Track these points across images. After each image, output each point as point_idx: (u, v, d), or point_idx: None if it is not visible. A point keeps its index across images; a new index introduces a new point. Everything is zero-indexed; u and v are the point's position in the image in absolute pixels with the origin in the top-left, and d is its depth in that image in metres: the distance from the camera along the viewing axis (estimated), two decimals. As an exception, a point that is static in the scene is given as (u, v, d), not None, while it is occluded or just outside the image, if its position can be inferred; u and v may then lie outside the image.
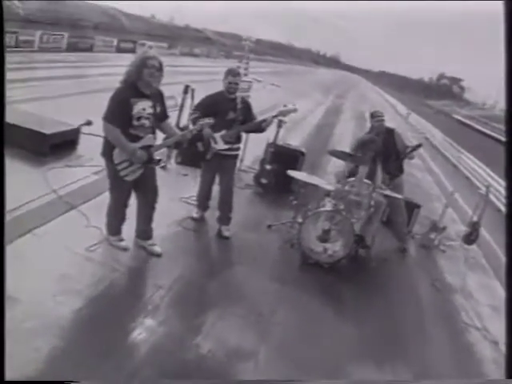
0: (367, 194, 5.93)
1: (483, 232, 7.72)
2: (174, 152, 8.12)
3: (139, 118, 4.55)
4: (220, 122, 5.61)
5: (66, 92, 12.08)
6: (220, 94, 5.85)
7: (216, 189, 6.13)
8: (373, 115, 6.84)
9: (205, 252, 5.78)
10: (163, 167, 7.66)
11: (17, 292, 3.83)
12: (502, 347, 3.52)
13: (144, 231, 5.15)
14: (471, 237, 7.33)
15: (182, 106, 8.00)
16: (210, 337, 4.05)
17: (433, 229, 7.37)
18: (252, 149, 8.57)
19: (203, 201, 6.24)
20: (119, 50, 28.60)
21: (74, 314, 3.91)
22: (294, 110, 6.10)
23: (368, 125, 7.29)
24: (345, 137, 16.39)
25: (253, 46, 11.62)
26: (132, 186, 4.84)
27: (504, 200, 9.07)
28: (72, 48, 23.73)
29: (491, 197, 8.23)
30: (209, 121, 5.06)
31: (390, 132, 6.83)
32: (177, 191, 6.84)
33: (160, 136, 4.95)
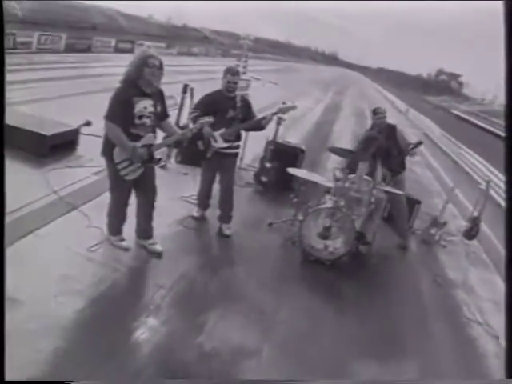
0: (367, 191, 5.93)
1: (484, 227, 7.72)
2: (174, 151, 8.12)
3: (141, 117, 4.56)
4: (220, 120, 5.62)
5: (64, 93, 12.07)
6: (219, 93, 5.85)
7: (216, 187, 6.14)
8: (375, 112, 6.84)
9: (206, 251, 5.78)
10: (163, 166, 7.66)
11: (18, 293, 3.85)
12: (503, 342, 3.53)
13: (144, 230, 5.16)
14: (472, 232, 7.33)
15: (181, 105, 8.00)
16: (213, 336, 4.06)
17: (433, 224, 7.37)
18: (252, 147, 8.57)
19: (204, 199, 6.25)
20: (117, 51, 28.55)
21: (76, 314, 3.91)
22: (293, 108, 6.10)
23: (367, 121, 7.29)
24: (344, 134, 16.40)
25: (251, 44, 11.61)
26: (132, 185, 4.85)
27: (504, 195, 9.07)
28: (70, 49, 23.69)
29: (491, 192, 8.23)
30: (208, 119, 5.07)
31: (392, 129, 6.82)
32: (177, 190, 6.85)
33: (160, 135, 4.95)
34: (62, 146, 7.32)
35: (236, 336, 4.14)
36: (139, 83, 4.54)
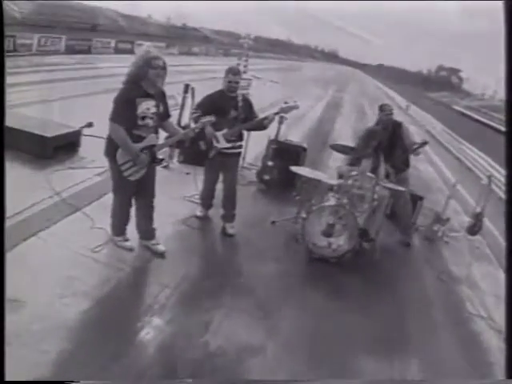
0: (370, 188, 5.94)
1: (486, 222, 7.72)
2: (176, 151, 8.13)
3: (144, 118, 4.57)
4: (222, 120, 5.62)
5: (66, 94, 12.08)
6: (221, 93, 5.85)
7: (219, 187, 6.15)
8: (382, 108, 6.83)
9: (210, 250, 5.79)
10: (165, 166, 7.68)
11: (23, 295, 3.87)
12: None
13: (146, 231, 5.17)
14: (475, 228, 7.32)
15: (182, 105, 8.00)
16: (218, 334, 4.08)
17: (436, 220, 7.37)
18: (253, 146, 8.58)
19: (207, 199, 6.26)
20: (117, 51, 28.58)
21: (81, 315, 3.93)
22: (296, 107, 6.10)
23: (368, 118, 7.29)
24: (345, 131, 16.39)
25: (252, 43, 11.59)
26: (135, 185, 4.87)
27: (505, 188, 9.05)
28: (70, 50, 23.72)
29: (493, 186, 8.21)
30: (210, 119, 5.08)
31: (398, 126, 6.83)
32: (180, 190, 6.86)
33: (162, 135, 4.96)
34: (64, 147, 7.34)
35: (241, 334, 4.15)
36: (142, 84, 4.55)
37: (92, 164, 7.00)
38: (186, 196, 6.74)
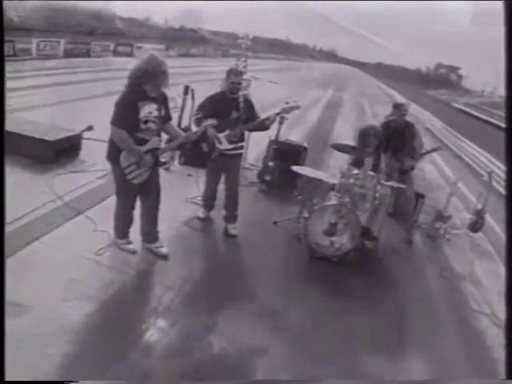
0: (372, 187, 5.95)
1: (487, 218, 7.72)
2: (177, 153, 8.14)
3: (146, 122, 4.58)
4: (223, 122, 5.62)
5: (65, 98, 12.10)
6: (222, 94, 5.86)
7: (221, 188, 6.16)
8: (397, 107, 6.86)
9: (212, 251, 5.80)
10: (167, 168, 7.69)
11: (28, 299, 3.88)
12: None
13: (150, 233, 5.18)
14: (477, 225, 7.32)
15: (182, 107, 8.01)
16: (223, 335, 4.09)
17: (438, 218, 7.38)
18: (254, 146, 8.58)
19: (209, 200, 6.27)
20: (116, 54, 28.57)
21: (86, 318, 3.94)
22: (297, 107, 6.10)
23: (367, 116, 7.31)
24: (346, 130, 16.37)
25: (250, 43, 11.58)
26: (138, 188, 4.88)
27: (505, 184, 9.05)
28: (69, 54, 23.72)
29: (494, 183, 8.21)
30: (212, 122, 5.10)
31: (410, 126, 6.88)
32: (182, 192, 6.86)
33: (164, 138, 4.98)
34: (65, 151, 7.35)
35: (246, 334, 4.17)
36: (145, 88, 4.57)
37: (93, 167, 7.00)
38: (188, 198, 6.75)
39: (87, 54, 25.95)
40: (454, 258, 6.83)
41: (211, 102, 5.85)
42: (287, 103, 6.08)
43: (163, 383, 3.59)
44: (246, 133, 6.41)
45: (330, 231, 5.69)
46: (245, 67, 11.17)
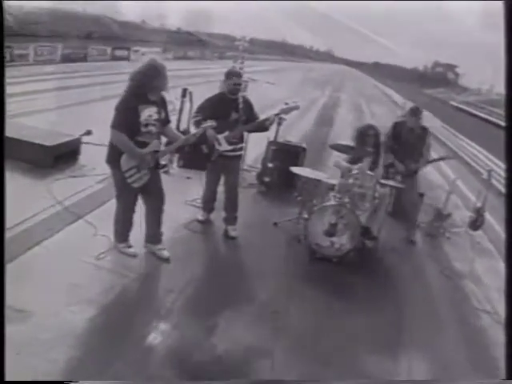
0: (371, 186, 5.96)
1: (487, 216, 7.73)
2: (176, 156, 8.15)
3: (147, 125, 4.60)
4: (223, 123, 5.63)
5: (63, 103, 12.10)
6: (221, 96, 5.86)
7: (220, 190, 6.17)
8: (414, 110, 6.87)
9: (213, 253, 5.81)
10: (166, 171, 7.69)
11: (30, 305, 3.88)
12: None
13: (154, 235, 5.18)
14: (477, 223, 7.33)
15: (180, 110, 8.02)
16: (225, 337, 4.09)
17: (437, 216, 7.39)
18: (253, 148, 8.59)
19: (209, 203, 6.27)
20: (114, 58, 28.57)
21: (89, 322, 3.94)
22: (296, 108, 6.10)
23: (365, 116, 7.33)
24: (344, 130, 16.37)
25: (247, 45, 11.57)
26: (138, 191, 4.89)
27: (504, 181, 9.06)
28: (66, 59, 23.71)
29: (493, 181, 8.22)
30: (211, 123, 5.11)
31: (424, 130, 6.92)
32: (181, 195, 6.86)
33: (162, 141, 4.99)
34: (64, 156, 7.35)
35: (247, 335, 4.17)
36: (145, 91, 4.58)
37: (93, 171, 7.01)
38: (188, 200, 6.75)
39: (84, 59, 25.94)
40: (454, 256, 6.84)
41: (210, 103, 5.86)
42: (286, 104, 6.09)
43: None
44: (245, 134, 6.41)
45: (330, 232, 5.69)
46: (241, 69, 11.18)
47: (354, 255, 5.87)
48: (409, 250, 6.84)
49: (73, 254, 4.82)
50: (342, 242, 5.72)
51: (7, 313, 3.19)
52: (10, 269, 3.64)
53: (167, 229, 5.46)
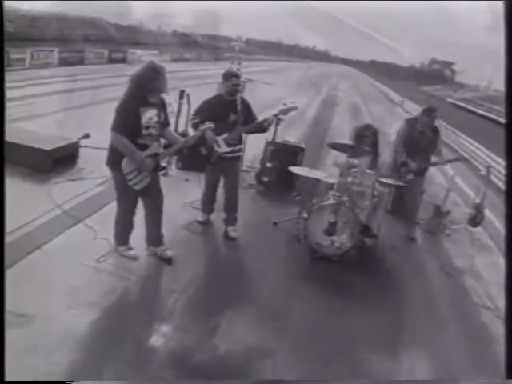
0: (370, 185, 5.97)
1: (487, 212, 7.74)
2: (174, 158, 8.14)
3: (147, 127, 4.62)
4: (221, 124, 5.63)
5: (61, 107, 12.09)
6: (219, 97, 5.87)
7: (219, 191, 6.18)
8: (430, 111, 6.87)
9: (213, 254, 5.81)
10: (165, 174, 7.68)
11: (31, 308, 3.88)
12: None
13: (155, 237, 5.18)
14: (476, 219, 7.34)
15: (178, 112, 8.02)
16: (227, 337, 4.10)
17: (436, 213, 7.40)
18: (251, 148, 8.59)
19: (208, 204, 6.27)
20: (111, 61, 28.54)
21: (90, 325, 3.95)
22: (295, 108, 6.11)
23: (363, 115, 7.34)
24: (342, 129, 16.37)
25: (243, 45, 11.58)
26: (139, 194, 4.89)
27: (504, 178, 9.06)
28: (63, 63, 23.69)
29: (492, 177, 8.24)
30: (209, 125, 5.11)
31: (436, 131, 6.93)
32: (180, 196, 6.86)
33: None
34: (63, 159, 7.34)
35: (249, 336, 4.18)
36: (145, 93, 4.60)
37: (92, 175, 7.00)
38: (187, 202, 6.75)
39: (81, 62, 25.91)
40: (454, 253, 6.85)
41: (209, 105, 5.86)
42: (285, 104, 6.09)
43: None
44: (244, 135, 6.42)
45: (330, 230, 5.70)
46: (238, 70, 11.19)
47: (353, 253, 5.89)
48: (409, 248, 6.85)
49: (73, 258, 4.81)
50: (342, 240, 5.73)
51: (8, 318, 3.19)
52: (10, 273, 3.65)
53: (167, 230, 5.47)
